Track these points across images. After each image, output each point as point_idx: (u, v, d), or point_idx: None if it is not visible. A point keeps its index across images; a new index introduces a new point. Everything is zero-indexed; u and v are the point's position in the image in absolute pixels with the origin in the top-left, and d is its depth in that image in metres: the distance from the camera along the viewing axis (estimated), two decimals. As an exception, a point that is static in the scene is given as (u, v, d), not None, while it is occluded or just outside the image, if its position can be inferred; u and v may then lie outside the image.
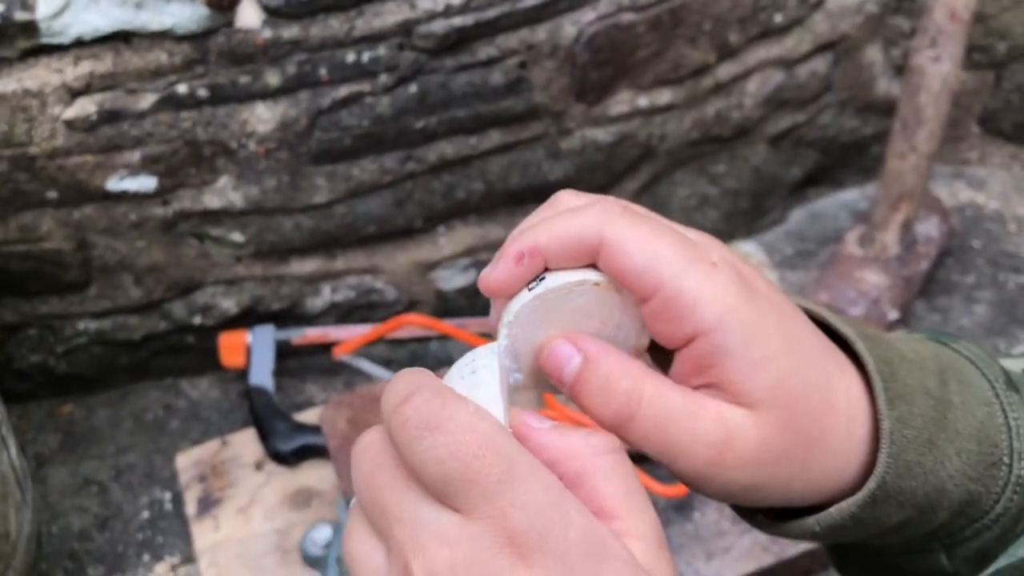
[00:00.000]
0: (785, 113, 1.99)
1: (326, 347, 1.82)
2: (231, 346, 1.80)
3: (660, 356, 0.44)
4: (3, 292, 1.70)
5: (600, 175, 1.84)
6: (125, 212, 1.63)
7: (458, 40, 1.60)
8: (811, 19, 1.90)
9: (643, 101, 1.79)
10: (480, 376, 0.40)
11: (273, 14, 1.51)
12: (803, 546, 1.56)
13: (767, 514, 0.45)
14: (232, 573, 1.56)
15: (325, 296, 1.84)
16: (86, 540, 1.68)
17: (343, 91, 1.59)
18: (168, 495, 1.73)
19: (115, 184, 1.59)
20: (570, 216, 0.41)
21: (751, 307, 0.40)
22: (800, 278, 2.04)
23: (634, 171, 1.89)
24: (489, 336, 0.45)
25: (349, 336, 1.81)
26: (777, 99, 1.94)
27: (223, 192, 1.65)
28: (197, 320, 1.81)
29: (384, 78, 1.60)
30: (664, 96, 1.81)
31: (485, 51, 1.63)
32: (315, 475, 1.67)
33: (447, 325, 1.80)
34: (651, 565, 0.36)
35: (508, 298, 0.43)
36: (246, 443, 1.72)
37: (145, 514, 1.71)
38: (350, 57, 1.57)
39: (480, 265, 1.87)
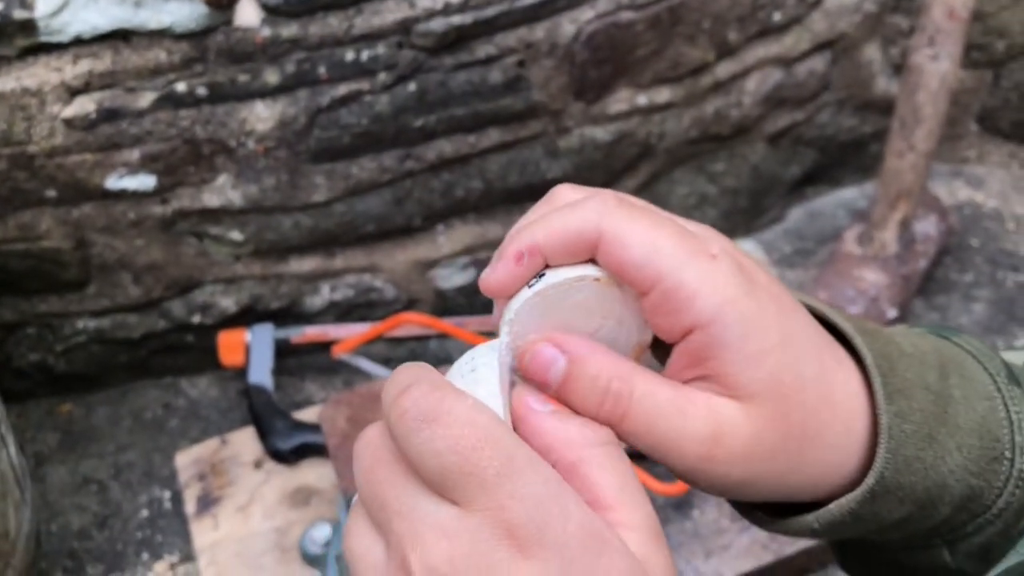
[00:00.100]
0: (784, 112, 1.99)
1: (325, 346, 1.82)
2: (230, 345, 1.80)
3: (659, 352, 0.43)
4: (2, 291, 1.70)
5: (599, 174, 1.84)
6: (124, 211, 1.63)
7: (457, 38, 1.60)
8: (810, 18, 1.90)
9: (642, 99, 1.79)
10: (480, 374, 0.40)
11: (272, 12, 1.51)
12: (802, 544, 1.56)
13: (766, 511, 0.45)
14: (231, 572, 1.56)
15: (324, 295, 1.84)
16: (85, 539, 1.68)
17: (342, 89, 1.59)
18: (167, 494, 1.73)
19: (114, 183, 1.59)
20: (567, 212, 0.41)
21: (751, 300, 0.40)
22: (799, 276, 2.04)
23: (633, 170, 1.89)
24: (488, 335, 0.45)
25: (348, 335, 1.81)
26: (776, 98, 1.94)
27: (222, 191, 1.65)
28: (196, 319, 1.81)
29: (383, 76, 1.60)
30: (663, 94, 1.81)
31: (484, 49, 1.63)
32: (314, 474, 1.67)
33: (446, 324, 1.80)
34: (646, 556, 0.36)
35: (509, 297, 0.42)
36: (245, 442, 1.72)
37: (144, 513, 1.71)
38: (349, 55, 1.57)
39: (479, 264, 1.87)
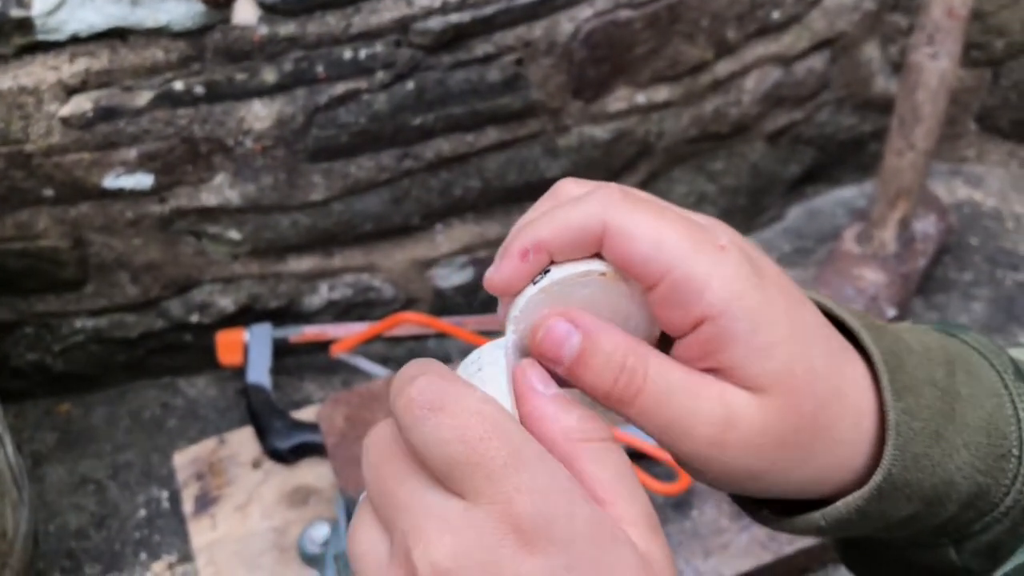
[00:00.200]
0: (783, 110, 1.98)
1: (324, 345, 1.82)
2: (228, 344, 1.79)
3: (662, 346, 0.43)
4: (0, 290, 1.70)
5: (598, 173, 1.84)
6: (122, 210, 1.63)
7: (455, 37, 1.59)
8: (809, 16, 1.89)
9: (641, 98, 1.79)
10: (487, 373, 0.39)
11: (269, 11, 1.51)
12: (801, 544, 1.56)
13: (772, 509, 0.45)
14: (229, 571, 1.55)
15: (322, 294, 1.84)
16: (83, 538, 1.67)
17: (340, 88, 1.59)
18: (165, 493, 1.72)
19: (111, 181, 1.58)
20: (571, 207, 0.40)
21: (760, 292, 0.39)
22: (798, 276, 2.03)
23: (632, 168, 1.89)
24: (486, 334, 0.44)
25: (347, 334, 1.80)
26: (775, 96, 1.94)
27: (220, 190, 1.65)
28: (194, 318, 1.80)
29: (381, 75, 1.60)
30: (662, 93, 1.81)
31: (482, 48, 1.62)
32: (313, 473, 1.67)
33: (445, 323, 1.80)
34: (646, 550, 0.36)
35: (515, 295, 0.42)
36: (243, 441, 1.71)
37: (142, 512, 1.71)
38: (347, 54, 1.56)
39: (478, 263, 1.86)
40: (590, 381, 0.40)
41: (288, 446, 1.67)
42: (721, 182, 2.03)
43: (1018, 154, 2.21)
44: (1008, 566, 0.42)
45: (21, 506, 1.44)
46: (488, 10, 1.58)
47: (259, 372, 1.76)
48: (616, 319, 0.41)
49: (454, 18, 1.57)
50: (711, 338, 0.39)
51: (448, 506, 0.35)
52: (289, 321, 1.84)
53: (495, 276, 0.41)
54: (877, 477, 0.40)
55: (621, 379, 0.39)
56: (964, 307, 1.97)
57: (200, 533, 1.60)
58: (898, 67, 2.00)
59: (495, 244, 1.75)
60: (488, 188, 1.78)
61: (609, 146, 1.81)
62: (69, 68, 1.48)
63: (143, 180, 1.59)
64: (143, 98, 1.52)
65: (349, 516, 1.47)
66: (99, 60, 1.49)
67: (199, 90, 1.54)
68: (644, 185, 1.93)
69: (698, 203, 2.03)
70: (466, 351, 0.42)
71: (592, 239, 0.40)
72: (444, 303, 1.91)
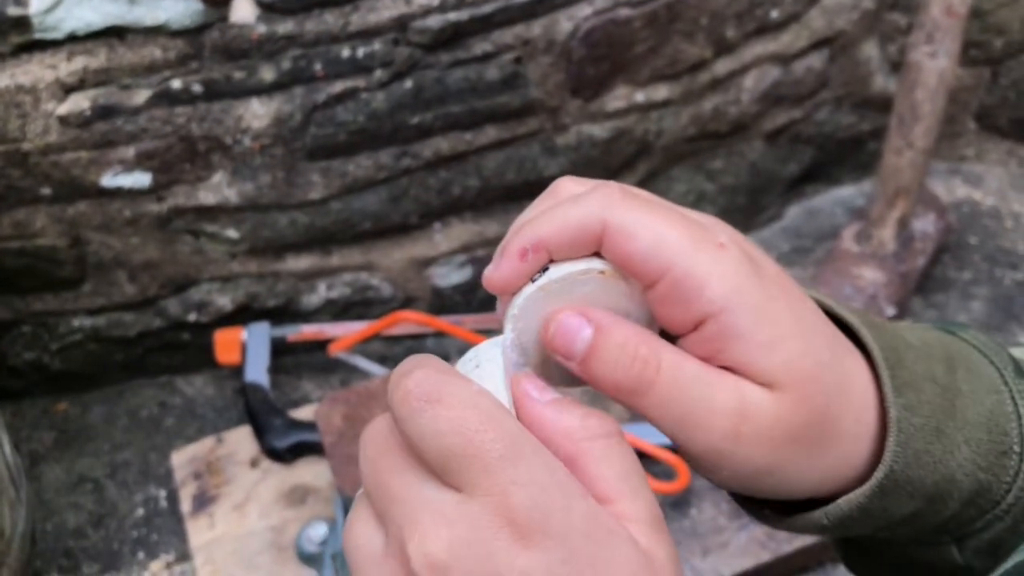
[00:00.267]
0: (782, 109, 1.98)
1: (322, 344, 1.81)
2: (226, 343, 1.79)
3: None
4: (-3, 289, 1.69)
5: (596, 171, 1.84)
6: (119, 208, 1.62)
7: (453, 35, 1.59)
8: (807, 15, 1.89)
9: (640, 97, 1.79)
10: (484, 370, 0.39)
11: (268, 9, 1.51)
12: (800, 543, 1.56)
13: (774, 508, 0.45)
14: (227, 571, 1.55)
15: (320, 293, 1.84)
16: (81, 538, 1.67)
17: (338, 87, 1.59)
18: (163, 492, 1.72)
19: (109, 180, 1.58)
20: (570, 205, 0.40)
21: (761, 289, 0.39)
22: (797, 275, 2.03)
23: (631, 167, 1.89)
24: (485, 333, 0.44)
25: (345, 333, 1.80)
26: (774, 95, 1.94)
27: (218, 188, 1.64)
28: (192, 317, 1.80)
29: (379, 73, 1.60)
30: (661, 92, 1.81)
31: (480, 46, 1.62)
32: (311, 472, 1.66)
33: (443, 322, 1.80)
34: (649, 548, 0.35)
35: (513, 294, 0.42)
36: (241, 440, 1.71)
37: (140, 511, 1.70)
38: (345, 52, 1.56)
39: (476, 262, 1.86)
40: (603, 373, 0.39)
41: (286, 445, 1.67)
42: (720, 181, 2.02)
43: (1017, 153, 2.21)
44: (1008, 564, 0.42)
45: (19, 505, 1.43)
46: (486, 8, 1.58)
47: (257, 371, 1.76)
48: None
49: (452, 16, 1.57)
50: (714, 336, 0.39)
51: (444, 499, 0.34)
52: (287, 320, 1.84)
53: (494, 275, 0.41)
54: (879, 473, 0.40)
55: (634, 369, 0.39)
56: (963, 306, 1.97)
57: (198, 532, 1.60)
58: (897, 66, 2.00)
59: (494, 243, 1.75)
60: (487, 187, 1.78)
61: (608, 145, 1.81)
62: (67, 66, 1.48)
63: (141, 179, 1.59)
64: (141, 96, 1.52)
65: (347, 515, 1.47)
66: (97, 58, 1.48)
67: (197, 88, 1.53)
68: (643, 184, 1.93)
69: (697, 202, 2.03)
70: (464, 350, 0.42)
71: (591, 238, 0.40)
72: (442, 302, 1.91)
